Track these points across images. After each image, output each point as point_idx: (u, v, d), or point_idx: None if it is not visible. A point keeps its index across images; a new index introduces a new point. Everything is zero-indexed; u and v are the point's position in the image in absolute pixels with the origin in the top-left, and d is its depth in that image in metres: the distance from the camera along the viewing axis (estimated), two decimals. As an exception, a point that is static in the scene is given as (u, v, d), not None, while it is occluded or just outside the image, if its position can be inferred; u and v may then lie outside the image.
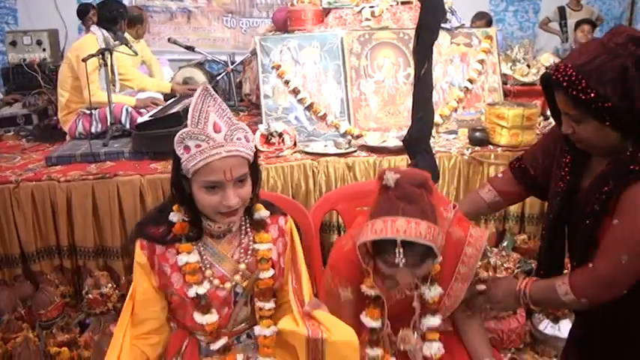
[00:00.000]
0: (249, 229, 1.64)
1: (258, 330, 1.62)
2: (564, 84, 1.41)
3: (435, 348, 1.64)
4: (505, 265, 2.78)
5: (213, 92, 1.45)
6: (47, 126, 4.00)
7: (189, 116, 1.43)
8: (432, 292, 1.61)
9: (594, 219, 1.50)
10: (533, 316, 2.80)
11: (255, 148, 1.53)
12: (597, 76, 1.37)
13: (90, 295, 2.69)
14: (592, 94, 1.37)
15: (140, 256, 1.58)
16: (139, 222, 1.72)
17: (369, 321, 1.62)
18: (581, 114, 1.43)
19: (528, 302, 1.64)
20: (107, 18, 3.84)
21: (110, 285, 2.74)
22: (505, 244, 3.13)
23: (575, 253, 1.64)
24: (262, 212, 1.64)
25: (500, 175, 1.94)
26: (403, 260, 1.41)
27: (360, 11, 3.86)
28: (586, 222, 1.52)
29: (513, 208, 3.25)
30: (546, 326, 2.73)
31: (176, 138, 1.43)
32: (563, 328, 2.69)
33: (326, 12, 3.95)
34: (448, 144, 3.42)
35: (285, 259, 1.68)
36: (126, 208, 2.92)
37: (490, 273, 2.76)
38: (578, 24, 5.94)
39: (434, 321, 1.64)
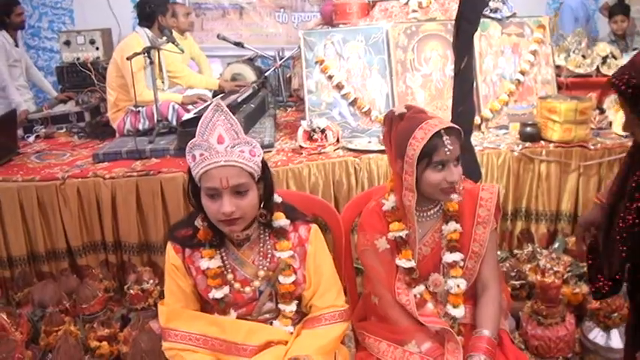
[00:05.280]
0: (267, 238, 1.71)
1: (276, 324, 1.72)
2: None
3: (454, 283, 1.75)
4: (554, 269, 2.61)
5: (226, 109, 1.55)
6: (98, 123, 4.07)
7: (197, 128, 1.54)
8: (450, 227, 1.75)
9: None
10: (582, 324, 2.66)
11: (265, 164, 1.63)
12: None
13: (131, 291, 2.72)
14: None
15: (175, 258, 1.70)
16: (172, 225, 1.86)
17: (405, 262, 1.73)
18: None
19: None
20: (144, 16, 3.88)
21: (152, 281, 2.76)
22: (556, 245, 2.97)
23: None
24: (282, 221, 1.71)
25: None
26: (451, 147, 1.60)
27: (406, 3, 3.77)
28: None
29: (565, 207, 3.09)
30: (596, 335, 2.57)
31: (187, 148, 1.55)
32: (614, 338, 2.54)
33: (372, 5, 3.89)
34: (498, 140, 3.29)
35: (307, 266, 1.73)
36: (169, 204, 2.95)
37: (538, 276, 2.62)
38: (611, 15, 5.56)
39: (454, 257, 1.75)
